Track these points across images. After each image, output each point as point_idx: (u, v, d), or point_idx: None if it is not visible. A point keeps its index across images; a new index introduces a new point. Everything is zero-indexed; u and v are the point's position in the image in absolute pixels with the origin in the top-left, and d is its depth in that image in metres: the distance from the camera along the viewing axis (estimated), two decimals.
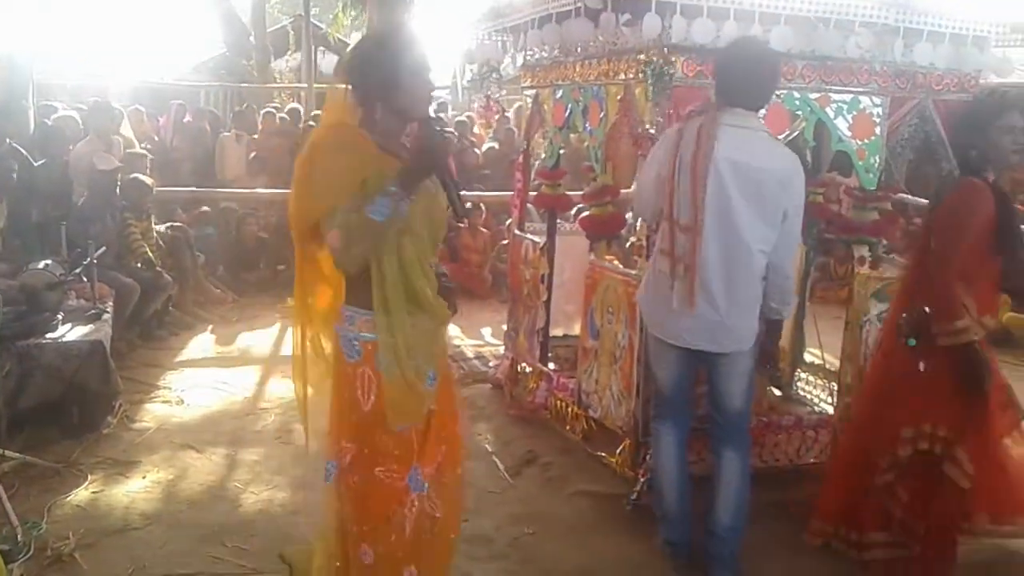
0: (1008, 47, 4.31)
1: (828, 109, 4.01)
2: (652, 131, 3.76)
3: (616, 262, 4.62)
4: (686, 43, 3.69)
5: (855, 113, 4.05)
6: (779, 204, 3.12)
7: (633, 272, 4.13)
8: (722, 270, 3.13)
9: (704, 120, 3.15)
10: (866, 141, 4.08)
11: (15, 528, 3.45)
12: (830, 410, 4.45)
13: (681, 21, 3.63)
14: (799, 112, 3.98)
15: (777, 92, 3.92)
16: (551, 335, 5.16)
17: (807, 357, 5.04)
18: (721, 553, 3.34)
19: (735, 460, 3.34)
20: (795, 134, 4.03)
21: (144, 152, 7.75)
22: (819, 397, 4.84)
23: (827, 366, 4.78)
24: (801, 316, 4.91)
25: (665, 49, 3.68)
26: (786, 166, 3.14)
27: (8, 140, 6.47)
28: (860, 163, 4.09)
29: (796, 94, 3.96)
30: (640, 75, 3.81)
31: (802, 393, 4.95)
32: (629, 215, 5.55)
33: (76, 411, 4.60)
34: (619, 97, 4.08)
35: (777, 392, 4.88)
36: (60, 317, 4.83)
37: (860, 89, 4.02)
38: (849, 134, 4.05)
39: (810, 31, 3.83)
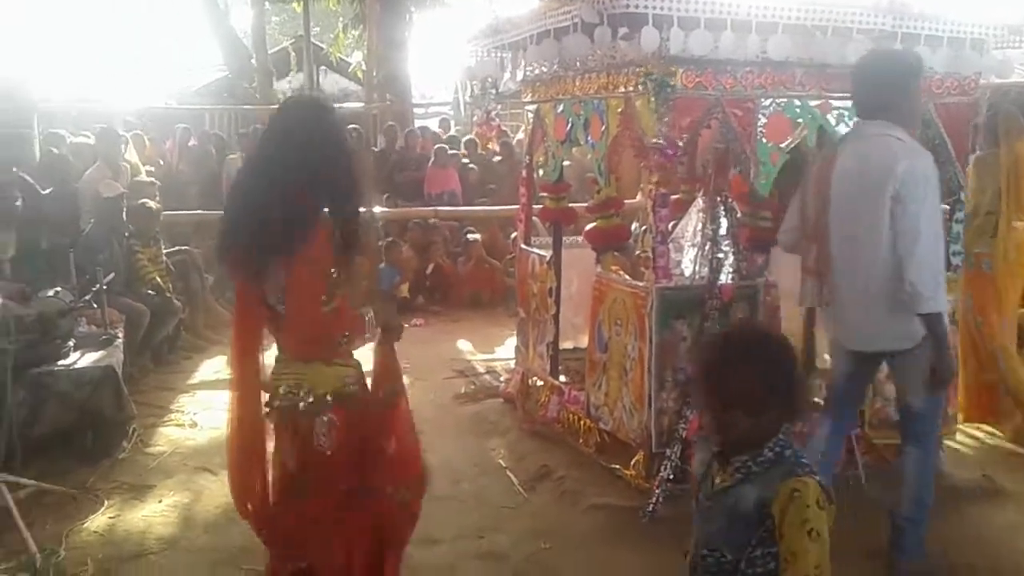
0: (1007, 48, 4.32)
1: (830, 116, 4.04)
2: (661, 143, 3.80)
3: (623, 274, 4.64)
4: (684, 55, 3.71)
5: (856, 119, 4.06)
6: (893, 198, 3.16)
7: (641, 284, 4.14)
8: (852, 273, 3.28)
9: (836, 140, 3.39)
10: None
11: (34, 555, 3.48)
12: None
13: (679, 33, 3.66)
14: (800, 120, 4.01)
15: (777, 101, 3.96)
16: (561, 348, 5.17)
17: (819, 364, 5.01)
18: (902, 543, 3.41)
19: (914, 455, 3.42)
20: (797, 141, 4.05)
21: (152, 180, 7.81)
22: None
23: None
24: (812, 321, 4.87)
25: (664, 61, 3.71)
26: (896, 159, 3.17)
27: (14, 169, 6.52)
28: None
29: (796, 102, 3.99)
30: (640, 88, 3.85)
31: (817, 400, 4.90)
32: (635, 226, 5.57)
33: (91, 437, 4.64)
34: (620, 110, 4.11)
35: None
36: (72, 344, 4.86)
37: None
38: None
39: (808, 39, 3.86)
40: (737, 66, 3.85)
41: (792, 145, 4.04)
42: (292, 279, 2.58)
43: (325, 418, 2.64)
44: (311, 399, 2.64)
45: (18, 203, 5.81)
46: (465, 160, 10.46)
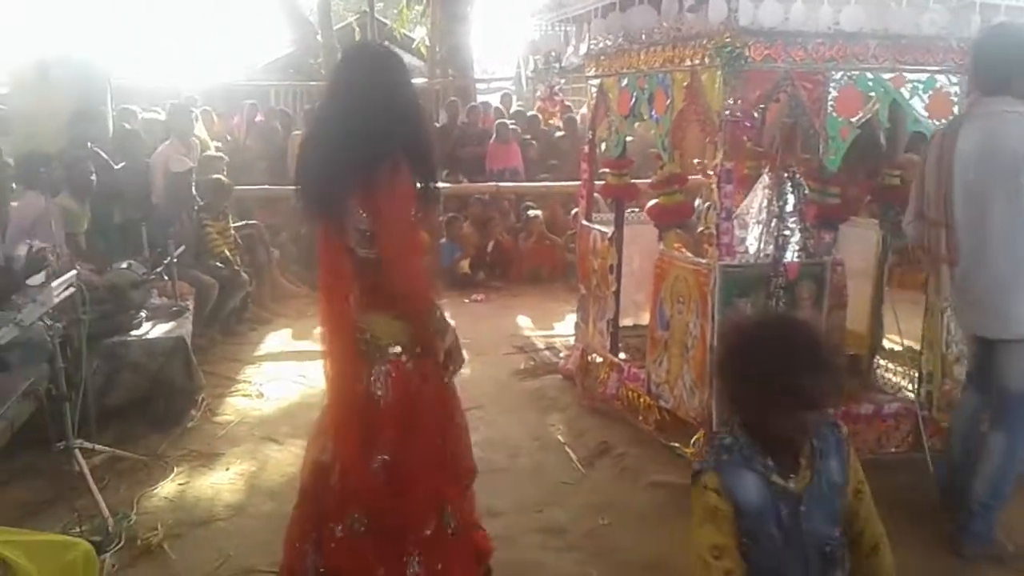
0: None
1: (903, 89, 3.91)
2: (737, 115, 3.73)
3: (685, 251, 4.58)
4: (753, 26, 3.63)
5: (931, 92, 3.94)
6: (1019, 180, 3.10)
7: (703, 261, 4.09)
8: (973, 258, 3.23)
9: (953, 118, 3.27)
10: (944, 121, 3.96)
11: (106, 519, 3.60)
12: (911, 397, 4.35)
13: (748, 4, 3.58)
14: (872, 93, 3.89)
15: (848, 73, 3.85)
16: (621, 325, 5.14)
17: (886, 344, 4.91)
18: (973, 527, 3.37)
19: (1000, 440, 3.36)
20: (868, 116, 3.94)
21: (221, 154, 7.96)
22: (899, 385, 4.72)
23: (907, 353, 4.65)
24: (879, 302, 4.79)
25: (732, 33, 3.63)
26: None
27: (89, 144, 6.70)
28: None
29: (869, 75, 3.87)
30: (707, 60, 3.77)
31: (882, 381, 4.83)
32: (697, 203, 5.49)
33: (162, 405, 4.78)
34: (685, 84, 4.04)
35: (855, 380, 4.78)
36: (144, 315, 5.00)
37: (936, 68, 3.91)
38: (926, 114, 3.94)
39: (882, 9, 3.74)
40: (808, 38, 3.75)
41: (863, 120, 3.92)
42: (386, 215, 2.52)
43: (384, 367, 2.66)
44: (382, 346, 2.65)
45: (92, 178, 5.97)
46: (526, 136, 10.41)
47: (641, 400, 4.64)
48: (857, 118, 3.91)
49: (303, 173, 2.68)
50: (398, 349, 2.67)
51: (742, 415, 2.07)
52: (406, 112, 2.62)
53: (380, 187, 2.50)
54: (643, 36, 4.34)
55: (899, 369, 4.76)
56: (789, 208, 4.22)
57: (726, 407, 2.01)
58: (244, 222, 7.54)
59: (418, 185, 2.63)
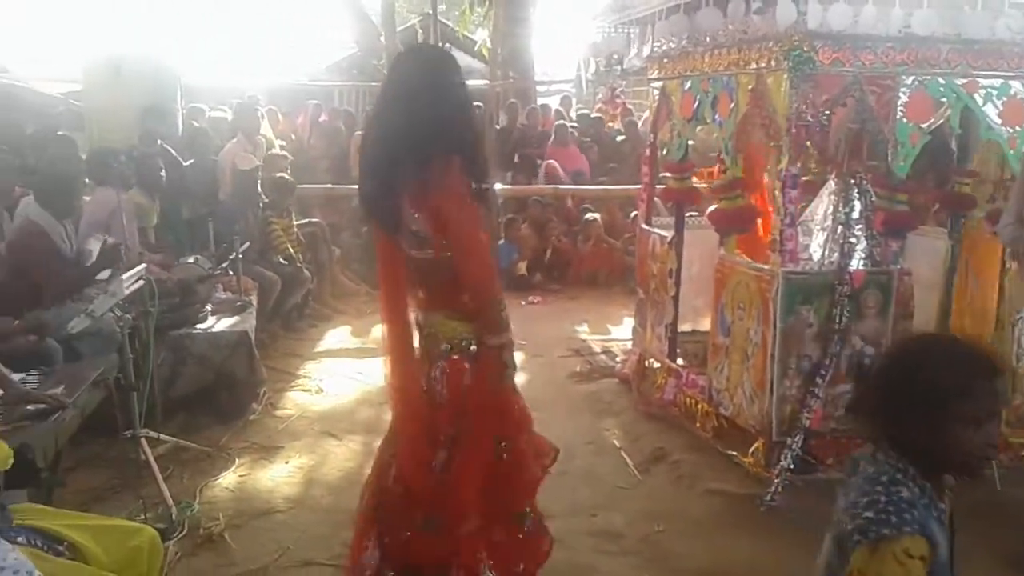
0: None
1: (976, 95, 3.82)
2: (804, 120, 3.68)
3: (746, 256, 4.53)
4: (821, 29, 3.58)
5: (1005, 99, 3.85)
6: None
7: (766, 267, 4.03)
8: None
9: None
10: (1018, 128, 3.86)
11: (170, 508, 3.68)
12: None
13: (817, 7, 3.53)
14: (944, 99, 3.81)
15: (920, 78, 3.77)
16: (679, 330, 5.10)
17: None
18: None
19: None
20: (940, 122, 3.85)
21: (285, 153, 8.10)
22: None
23: None
24: (946, 313, 4.68)
25: (800, 36, 3.58)
26: None
27: (159, 141, 6.88)
28: (1012, 152, 3.87)
29: (941, 80, 3.80)
30: (774, 64, 3.73)
31: None
32: None
33: (224, 398, 4.87)
34: (750, 87, 4.00)
35: None
36: (209, 309, 5.12)
37: (1010, 73, 3.81)
38: (999, 121, 3.84)
39: (955, 13, 3.67)
40: (878, 41, 3.69)
41: (935, 126, 3.84)
42: (449, 216, 2.54)
43: (440, 364, 2.69)
44: (440, 346, 2.69)
45: (162, 174, 6.12)
46: (585, 139, 10.38)
47: (699, 407, 4.60)
48: (928, 124, 3.83)
49: (360, 175, 2.73)
50: (455, 348, 2.69)
51: (921, 440, 1.79)
52: (457, 113, 2.63)
53: (432, 187, 2.52)
54: (708, 38, 4.31)
55: None
56: (855, 215, 4.14)
57: (883, 434, 1.80)
58: (307, 220, 7.65)
59: (472, 185, 2.64)
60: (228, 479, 4.16)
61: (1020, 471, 3.93)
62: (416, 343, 2.76)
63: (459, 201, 2.55)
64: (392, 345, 2.76)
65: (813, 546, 3.51)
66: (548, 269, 8.63)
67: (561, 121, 10.57)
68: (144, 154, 6.33)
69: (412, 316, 2.75)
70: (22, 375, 3.51)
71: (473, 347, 2.70)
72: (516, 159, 10.19)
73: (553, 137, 10.10)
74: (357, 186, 2.79)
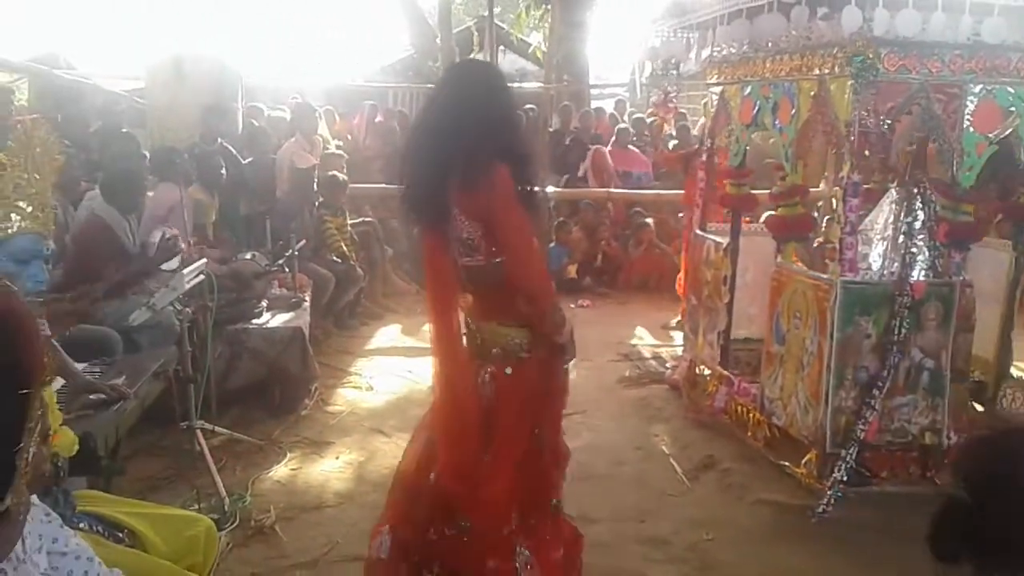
0: None
1: None
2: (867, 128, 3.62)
3: (801, 264, 4.47)
4: (888, 36, 3.52)
5: None
6: None
7: (824, 276, 3.97)
8: None
9: None
10: None
11: (223, 499, 3.75)
12: None
13: (884, 13, 3.46)
14: (1013, 108, 3.71)
15: (988, 87, 3.68)
16: (732, 338, 5.05)
17: (1014, 371, 4.67)
18: None
19: None
20: (1008, 132, 3.76)
21: (341, 152, 8.19)
22: None
23: None
24: (1009, 327, 4.56)
25: (865, 42, 3.52)
26: None
27: (219, 139, 7.00)
28: None
29: (1011, 89, 3.70)
30: (837, 70, 3.67)
31: (1008, 409, 4.59)
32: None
33: (278, 392, 4.95)
34: (812, 93, 3.94)
35: (979, 407, 4.56)
36: (265, 305, 5.19)
37: None
38: None
39: None
40: (945, 49, 3.61)
41: (1002, 136, 3.74)
42: (500, 223, 2.55)
43: (488, 370, 2.70)
44: (489, 352, 2.70)
45: (222, 171, 6.23)
46: (640, 144, 10.32)
47: (751, 415, 4.54)
48: (995, 134, 3.74)
49: (407, 180, 2.73)
50: (506, 354, 2.70)
51: None
52: (504, 118, 2.65)
53: (480, 192, 2.53)
54: (769, 44, 4.26)
55: None
56: (918, 225, 4.06)
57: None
58: (360, 219, 7.73)
59: (519, 188, 2.62)
60: (279, 472, 4.21)
61: None
62: (466, 345, 2.77)
63: (508, 207, 2.54)
64: (440, 348, 2.76)
65: (864, 559, 3.50)
66: (598, 273, 8.61)
67: (623, 124, 10.53)
68: (205, 152, 6.45)
69: (461, 319, 2.76)
70: (84, 365, 3.60)
71: (524, 354, 2.70)
72: (569, 162, 10.17)
73: (615, 139, 10.06)
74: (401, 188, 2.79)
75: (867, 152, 4.13)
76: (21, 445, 1.34)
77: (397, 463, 4.27)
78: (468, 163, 2.53)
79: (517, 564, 2.70)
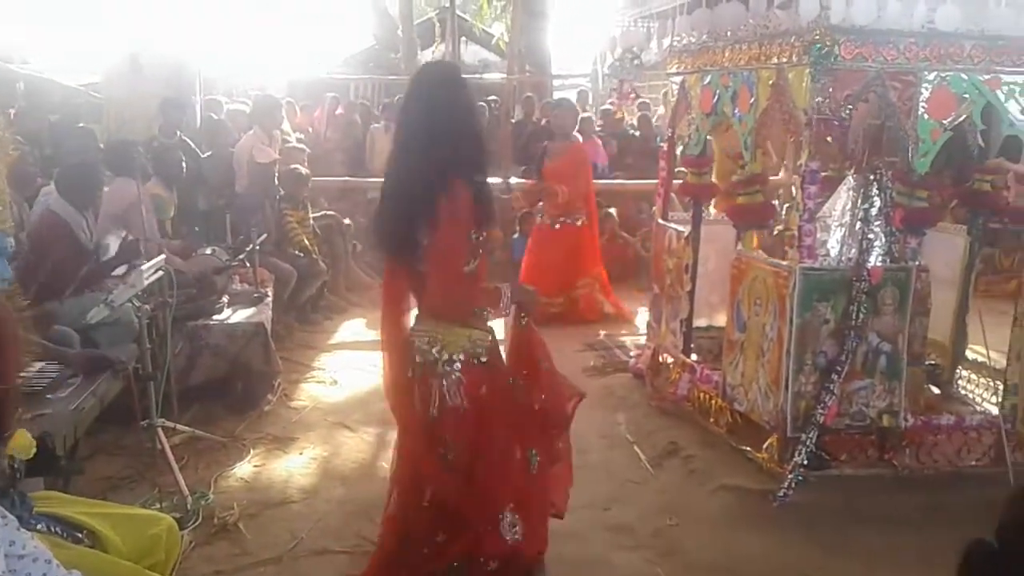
0: None
1: (999, 92, 3.78)
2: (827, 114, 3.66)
3: (762, 252, 4.51)
4: (844, 24, 3.56)
5: None
6: None
7: (783, 263, 4.02)
8: None
9: None
10: None
11: (185, 497, 3.71)
12: (994, 410, 4.20)
13: (840, 2, 3.52)
14: (966, 95, 3.77)
15: (942, 74, 3.74)
16: (694, 326, 5.09)
17: (969, 354, 4.76)
18: None
19: None
20: (962, 118, 3.82)
21: (302, 146, 8.10)
22: (982, 396, 4.56)
23: (992, 364, 4.49)
24: (964, 311, 4.65)
25: (822, 31, 3.56)
26: None
27: (178, 133, 6.90)
28: None
29: (964, 76, 3.76)
30: (795, 59, 3.71)
31: (963, 392, 4.68)
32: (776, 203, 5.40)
33: (240, 389, 4.90)
34: (771, 82, 3.97)
35: (935, 390, 4.64)
36: (226, 300, 5.14)
37: None
38: (1022, 118, 3.80)
39: (979, 9, 3.63)
40: (900, 37, 3.65)
41: (956, 122, 3.81)
42: (435, 239, 2.65)
43: (454, 376, 2.77)
44: (444, 356, 2.78)
45: (183, 165, 6.14)
46: (603, 134, 10.34)
47: (713, 402, 4.59)
48: (949, 120, 3.80)
49: (377, 215, 2.90)
50: (467, 358, 2.80)
51: None
52: (463, 132, 2.72)
53: (441, 217, 2.62)
54: (728, 33, 4.29)
55: (982, 380, 4.60)
56: (874, 211, 4.11)
57: None
58: (322, 212, 7.67)
59: (475, 201, 2.70)
60: (243, 469, 4.18)
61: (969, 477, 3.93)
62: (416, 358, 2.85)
63: (453, 226, 2.64)
64: (389, 348, 2.95)
65: (825, 541, 3.56)
66: None
67: (586, 113, 10.54)
68: (163, 145, 6.35)
69: (409, 332, 2.88)
70: (42, 363, 3.54)
71: (484, 359, 2.83)
72: (531, 153, 10.16)
73: (578, 129, 10.06)
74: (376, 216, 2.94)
75: (829, 139, 4.20)
76: None
77: (362, 457, 4.33)
78: (431, 192, 2.63)
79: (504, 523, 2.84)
